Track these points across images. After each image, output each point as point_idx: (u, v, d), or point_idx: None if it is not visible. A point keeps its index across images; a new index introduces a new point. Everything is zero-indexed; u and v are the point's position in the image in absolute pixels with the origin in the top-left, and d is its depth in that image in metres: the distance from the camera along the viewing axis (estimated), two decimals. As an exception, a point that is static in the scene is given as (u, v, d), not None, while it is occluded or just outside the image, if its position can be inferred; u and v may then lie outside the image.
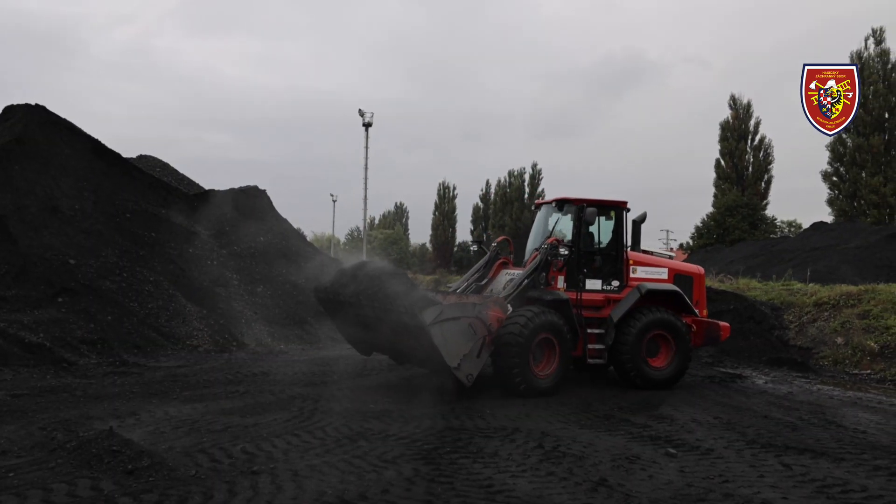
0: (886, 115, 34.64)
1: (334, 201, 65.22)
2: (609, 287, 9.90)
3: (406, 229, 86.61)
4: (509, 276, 10.07)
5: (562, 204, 10.34)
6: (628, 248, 10.18)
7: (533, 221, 11.50)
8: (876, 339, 12.59)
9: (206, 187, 22.06)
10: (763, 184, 42.94)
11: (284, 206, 45.64)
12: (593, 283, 9.81)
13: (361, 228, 50.18)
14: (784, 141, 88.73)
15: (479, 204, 72.02)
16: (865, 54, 35.87)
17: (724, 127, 44.32)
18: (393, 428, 6.69)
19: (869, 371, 12.06)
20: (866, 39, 36.20)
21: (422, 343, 7.86)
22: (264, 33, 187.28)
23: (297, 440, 6.11)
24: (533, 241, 10.70)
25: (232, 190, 18.90)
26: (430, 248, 73.71)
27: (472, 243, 12.85)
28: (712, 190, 44.24)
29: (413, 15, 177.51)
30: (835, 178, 36.86)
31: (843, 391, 10.21)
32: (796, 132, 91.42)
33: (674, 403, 8.58)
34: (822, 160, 38.10)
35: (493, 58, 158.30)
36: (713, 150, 44.79)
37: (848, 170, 35.94)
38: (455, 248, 71.55)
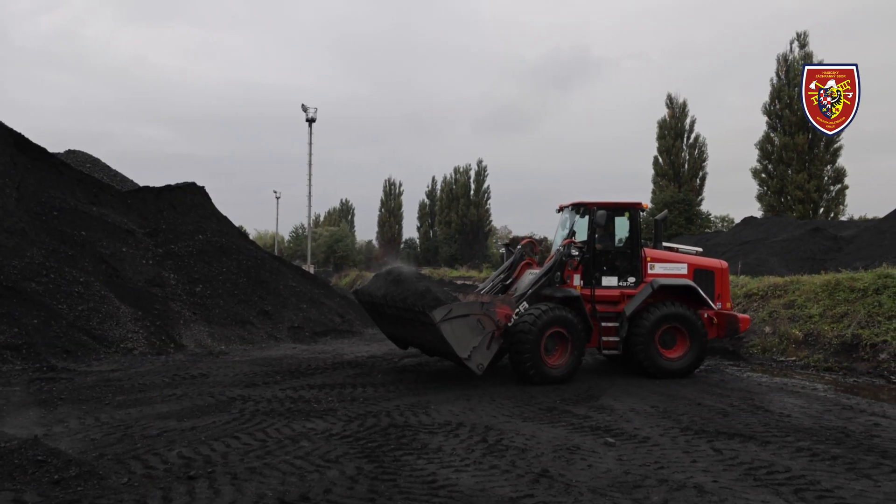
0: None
1: (278, 198, 64.15)
2: (626, 283, 10.51)
3: (352, 226, 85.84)
4: (532, 277, 10.61)
5: (579, 207, 10.92)
6: (645, 246, 10.80)
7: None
8: (800, 327, 13.28)
9: (141, 184, 21.27)
10: (698, 180, 44.61)
11: (225, 203, 44.51)
12: (609, 280, 10.48)
13: (306, 225, 49.37)
14: (718, 137, 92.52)
15: (426, 200, 72.15)
16: (791, 57, 37.74)
17: (662, 125, 45.79)
18: (336, 427, 6.63)
19: (794, 358, 12.72)
20: (791, 43, 38.15)
21: (436, 337, 8.82)
22: (203, 23, 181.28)
23: (237, 443, 5.97)
24: (556, 243, 11.34)
25: (168, 186, 18.26)
26: (377, 245, 73.30)
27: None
28: (651, 186, 45.74)
29: (358, 9, 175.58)
30: (763, 175, 38.61)
31: (771, 377, 10.74)
32: (730, 129, 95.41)
33: (614, 394, 8.83)
34: (753, 157, 39.84)
35: (440, 53, 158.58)
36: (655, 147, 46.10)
37: (775, 167, 37.72)
38: (402, 245, 71.39)
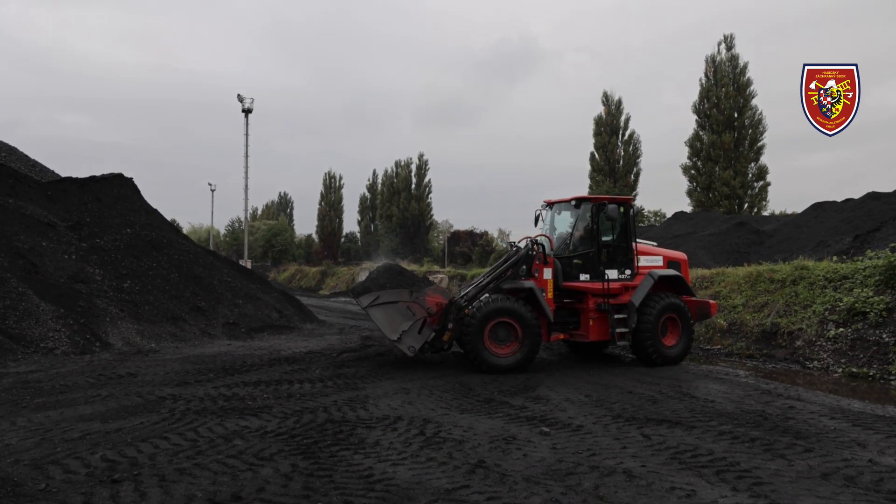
0: (736, 115, 38.27)
1: (213, 191, 62.25)
2: (623, 276, 10.88)
3: (291, 220, 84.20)
4: (500, 270, 10.80)
5: (580, 202, 11.06)
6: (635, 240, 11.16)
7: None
8: (725, 317, 13.95)
9: (63, 174, 20.19)
10: (633, 176, 45.98)
11: (156, 195, 42.60)
12: (610, 273, 10.78)
13: (243, 219, 48.06)
14: (654, 134, 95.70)
15: (367, 194, 71.46)
16: (718, 58, 39.38)
17: (598, 122, 46.87)
18: (271, 424, 6.50)
19: (719, 346, 13.36)
20: (719, 45, 39.82)
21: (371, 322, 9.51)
22: (128, 6, 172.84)
23: (166, 443, 5.76)
24: (557, 238, 11.40)
25: (93, 177, 17.39)
26: (317, 240, 72.11)
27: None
28: (588, 181, 46.81)
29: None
30: (693, 172, 40.22)
31: (698, 365, 11.23)
32: (666, 127, 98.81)
33: (550, 384, 9.02)
34: (685, 154, 41.29)
35: (383, 44, 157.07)
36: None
37: (704, 164, 39.36)
38: (342, 239, 70.52)
